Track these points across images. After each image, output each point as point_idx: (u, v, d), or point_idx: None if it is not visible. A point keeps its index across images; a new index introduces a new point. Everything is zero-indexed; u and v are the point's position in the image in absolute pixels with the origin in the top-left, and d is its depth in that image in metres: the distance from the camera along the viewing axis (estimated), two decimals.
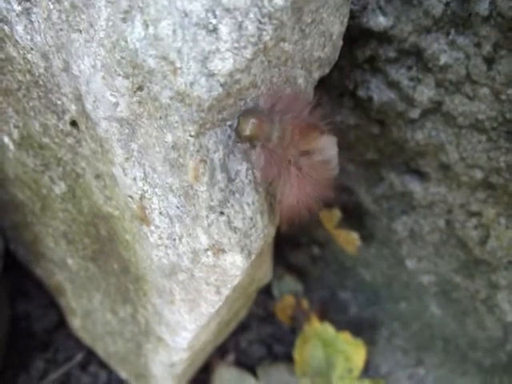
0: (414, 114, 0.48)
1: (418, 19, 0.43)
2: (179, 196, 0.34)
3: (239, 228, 0.35)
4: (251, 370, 0.64)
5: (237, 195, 0.35)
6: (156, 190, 0.35)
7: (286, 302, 0.66)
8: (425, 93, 0.46)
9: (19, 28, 0.36)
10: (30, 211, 0.49)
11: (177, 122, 0.31)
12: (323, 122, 0.35)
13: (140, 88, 0.32)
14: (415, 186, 0.52)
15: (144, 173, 0.35)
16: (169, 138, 0.32)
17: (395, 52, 0.45)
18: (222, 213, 0.34)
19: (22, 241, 0.55)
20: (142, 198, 0.36)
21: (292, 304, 0.66)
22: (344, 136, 0.54)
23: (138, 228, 0.38)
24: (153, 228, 0.36)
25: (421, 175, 0.52)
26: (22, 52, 0.37)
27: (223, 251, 0.36)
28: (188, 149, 0.32)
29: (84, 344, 0.64)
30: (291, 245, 0.67)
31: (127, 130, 0.34)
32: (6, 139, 0.44)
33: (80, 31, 0.33)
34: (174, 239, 0.36)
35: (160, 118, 0.32)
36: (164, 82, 0.30)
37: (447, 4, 0.41)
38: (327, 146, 0.37)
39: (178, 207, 0.35)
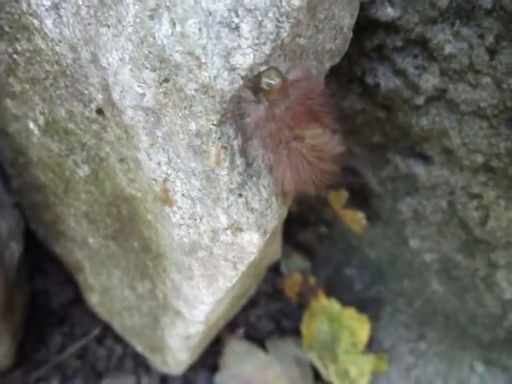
0: (419, 100, 0.51)
1: (425, 10, 0.46)
2: (201, 179, 0.38)
3: (256, 209, 0.39)
4: (260, 343, 0.68)
5: (254, 178, 0.39)
6: (179, 173, 0.39)
7: (293, 279, 0.70)
8: (430, 80, 0.49)
9: (48, 22, 0.39)
10: (52, 192, 0.53)
11: (200, 111, 0.35)
12: (328, 112, 0.38)
13: (166, 80, 0.35)
14: (419, 169, 0.56)
15: (168, 158, 0.38)
16: (192, 126, 0.36)
17: (402, 41, 0.49)
18: (240, 195, 0.38)
19: (42, 220, 0.59)
20: (165, 181, 0.39)
21: (299, 281, 0.70)
22: (351, 120, 0.57)
23: (160, 209, 0.42)
24: (175, 209, 0.40)
25: (425, 159, 0.55)
26: (50, 44, 0.40)
27: (241, 230, 0.40)
28: (210, 136, 0.36)
29: (100, 319, 0.68)
30: (299, 224, 0.71)
31: (152, 118, 0.38)
32: (31, 125, 0.48)
33: (108, 26, 0.36)
34: (195, 219, 0.40)
35: (184, 107, 0.35)
36: (189, 75, 0.34)
37: None
38: (325, 140, 0.37)
39: (199, 190, 0.38)
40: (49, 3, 0.39)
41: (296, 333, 0.68)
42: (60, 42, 0.40)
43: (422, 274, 0.62)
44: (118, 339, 0.69)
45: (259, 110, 0.34)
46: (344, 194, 0.60)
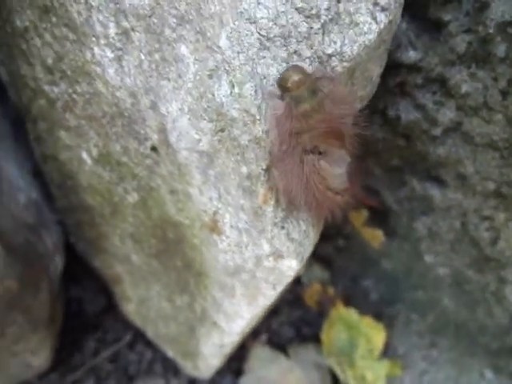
0: (437, 131, 0.57)
1: (444, 54, 0.53)
2: (249, 214, 0.45)
3: (296, 239, 0.46)
4: (282, 349, 0.75)
5: (294, 213, 0.45)
6: (229, 208, 0.45)
7: (313, 289, 0.77)
8: (447, 114, 0.56)
9: (110, 71, 0.46)
10: (98, 214, 0.59)
11: (252, 158, 0.41)
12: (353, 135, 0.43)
13: (222, 130, 0.41)
14: (435, 192, 0.63)
15: (219, 194, 0.45)
16: (244, 169, 0.42)
17: (422, 79, 0.55)
18: (283, 227, 0.45)
19: (84, 237, 0.65)
20: (215, 213, 0.46)
21: (319, 290, 0.77)
22: (372, 145, 0.64)
23: (207, 235, 0.49)
24: (223, 238, 0.47)
25: (440, 182, 0.62)
26: (110, 89, 0.47)
27: (282, 257, 0.46)
28: (259, 179, 0.42)
29: (131, 326, 0.75)
30: (320, 237, 0.77)
31: (206, 160, 0.44)
32: (85, 155, 0.54)
33: (169, 79, 0.43)
34: (241, 247, 0.47)
35: (237, 154, 0.42)
36: (244, 128, 0.40)
37: (470, 43, 0.51)
38: (338, 159, 0.40)
39: (246, 222, 0.45)
40: (112, 55, 0.45)
41: (316, 339, 0.75)
42: (120, 88, 0.46)
43: (436, 286, 0.69)
44: (148, 344, 0.75)
45: (281, 105, 0.36)
46: (364, 214, 0.67)
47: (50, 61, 0.49)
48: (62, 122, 0.53)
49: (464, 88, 0.53)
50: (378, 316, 0.74)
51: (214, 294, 0.54)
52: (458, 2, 0.49)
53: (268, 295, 0.49)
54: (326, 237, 0.77)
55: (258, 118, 0.39)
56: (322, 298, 0.76)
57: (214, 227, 0.47)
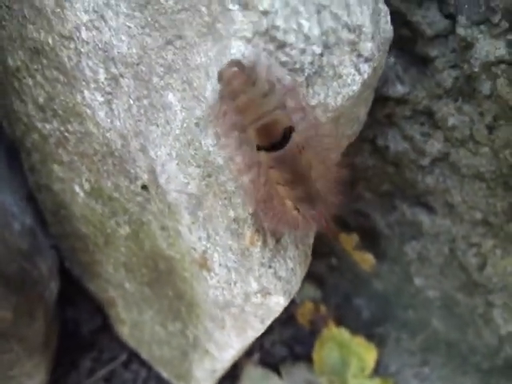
0: (425, 161, 0.59)
1: (431, 88, 0.54)
2: (237, 254, 0.46)
3: (283, 277, 0.47)
4: (274, 368, 0.77)
5: (282, 252, 0.47)
6: (217, 248, 0.47)
7: (305, 307, 0.79)
8: (434, 145, 0.57)
9: (101, 113, 0.47)
10: (92, 242, 0.61)
11: (239, 203, 0.43)
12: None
13: (209, 176, 0.43)
14: (424, 218, 0.64)
15: (207, 234, 0.46)
16: (231, 213, 0.44)
17: (410, 111, 0.56)
18: (270, 266, 0.46)
19: (79, 262, 0.67)
20: (204, 252, 0.48)
21: (311, 309, 0.79)
22: (362, 171, 0.65)
23: (197, 271, 0.50)
24: (213, 274, 0.48)
25: (429, 209, 0.63)
26: (101, 130, 0.48)
27: (270, 294, 0.48)
28: (246, 222, 0.44)
29: (126, 345, 0.77)
30: (312, 255, 0.79)
31: (194, 202, 0.45)
32: (77, 188, 0.56)
33: (157, 125, 0.44)
34: (230, 284, 0.48)
35: (225, 198, 0.43)
36: (230, 175, 0.41)
37: (456, 78, 0.52)
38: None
39: (235, 261, 0.47)
40: (102, 99, 0.46)
41: (308, 358, 0.77)
42: (110, 129, 0.47)
43: (426, 307, 0.70)
44: (143, 363, 0.77)
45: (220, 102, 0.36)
46: (355, 238, 0.68)
47: (41, 100, 0.50)
48: (55, 157, 0.54)
49: (451, 121, 0.54)
50: (370, 334, 0.75)
51: (205, 324, 0.55)
52: (445, 39, 0.51)
53: (256, 328, 0.51)
54: (318, 255, 0.78)
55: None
56: (314, 316, 0.77)
57: (204, 264, 0.48)
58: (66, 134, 0.51)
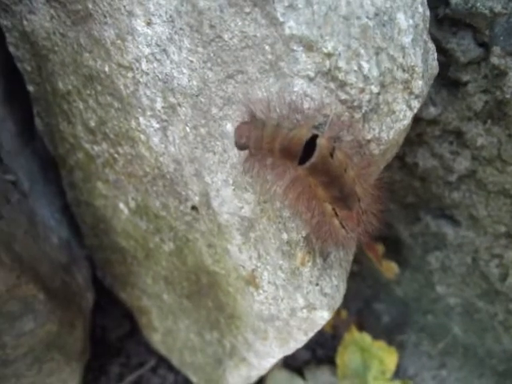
0: (452, 177, 0.63)
1: (462, 110, 0.57)
2: (286, 273, 0.49)
3: (328, 293, 0.51)
4: (298, 371, 0.81)
5: (328, 270, 0.50)
6: (267, 266, 0.50)
7: None
8: (462, 163, 0.61)
9: (155, 139, 0.50)
10: (131, 255, 0.64)
11: (293, 227, 0.46)
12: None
13: (265, 201, 0.46)
14: (448, 229, 0.68)
15: (258, 254, 0.50)
16: (284, 236, 0.47)
17: (440, 131, 0.60)
18: (317, 284, 0.50)
19: (112, 272, 0.70)
20: (253, 270, 0.51)
21: (333, 314, 0.82)
22: (388, 184, 0.69)
23: (242, 286, 0.54)
24: (260, 291, 0.52)
25: (453, 221, 0.67)
26: (154, 154, 0.51)
27: (315, 309, 0.51)
28: (298, 244, 0.47)
29: (154, 351, 0.80)
30: None
31: (246, 224, 0.49)
32: (122, 205, 0.59)
33: (214, 153, 0.47)
34: (277, 300, 0.52)
35: (279, 222, 0.47)
36: (291, 208, 0.45)
37: (486, 102, 0.56)
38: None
39: (284, 280, 0.50)
40: (157, 126, 0.49)
41: (330, 362, 0.81)
42: (164, 154, 0.50)
43: (446, 313, 0.75)
44: (171, 368, 0.81)
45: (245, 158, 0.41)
46: (381, 248, 0.72)
47: (92, 123, 0.53)
48: (100, 175, 0.57)
49: (479, 141, 0.58)
50: (390, 337, 0.80)
51: (245, 335, 0.59)
52: (478, 65, 0.54)
53: (299, 340, 0.55)
54: None
55: None
56: (336, 321, 0.81)
57: (252, 281, 0.52)
58: (116, 155, 0.54)
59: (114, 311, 0.81)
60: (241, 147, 0.40)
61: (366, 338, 0.79)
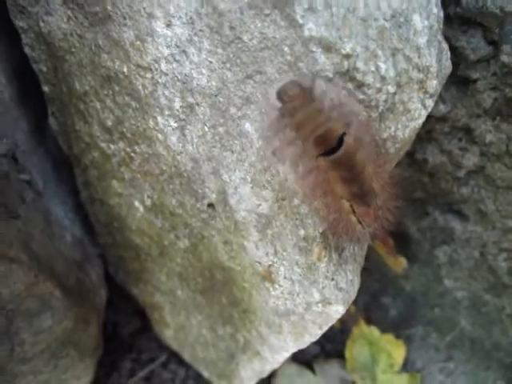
0: (461, 173, 0.64)
1: (471, 107, 0.59)
2: (303, 268, 0.51)
3: (343, 288, 0.52)
4: (307, 365, 0.83)
5: (343, 265, 0.52)
6: (284, 262, 0.52)
7: None
8: (471, 159, 0.63)
9: (173, 138, 0.51)
10: (145, 253, 0.65)
11: (310, 223, 0.48)
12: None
13: (283, 199, 0.48)
14: (456, 224, 0.70)
15: (275, 250, 0.51)
16: (301, 232, 0.49)
17: (449, 128, 0.62)
18: (332, 279, 0.52)
19: (125, 269, 0.71)
20: (270, 266, 0.52)
21: None
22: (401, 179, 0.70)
23: (258, 281, 0.55)
24: (276, 286, 0.53)
25: (461, 216, 0.69)
26: (171, 153, 0.52)
27: (330, 303, 0.53)
28: (315, 240, 0.49)
29: (164, 346, 0.82)
30: None
31: (264, 221, 0.50)
32: (137, 203, 0.60)
33: (232, 151, 0.48)
34: (293, 294, 0.53)
35: (296, 219, 0.48)
36: (306, 200, 0.46)
37: (496, 99, 0.57)
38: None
39: (300, 275, 0.52)
40: (175, 125, 0.50)
41: (338, 355, 0.83)
42: (181, 153, 0.52)
43: (453, 306, 0.76)
44: (181, 363, 0.82)
45: (278, 117, 0.40)
46: (391, 242, 0.74)
47: (109, 123, 0.54)
48: (116, 174, 0.58)
49: (488, 137, 0.59)
50: (398, 331, 0.81)
51: (259, 330, 0.60)
52: (487, 63, 0.56)
53: (314, 334, 0.56)
54: None
55: None
56: (344, 315, 0.83)
57: (268, 277, 0.53)
58: (132, 154, 0.55)
59: (126, 307, 0.83)
60: (281, 100, 0.40)
61: (375, 331, 0.80)
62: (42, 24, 0.53)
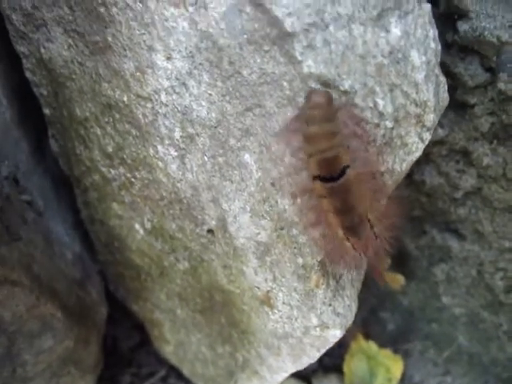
0: (458, 194, 0.65)
1: (468, 131, 0.60)
2: (301, 294, 0.52)
3: (341, 313, 0.54)
4: (306, 380, 0.84)
5: (340, 291, 0.53)
6: (282, 288, 0.53)
7: None
8: (468, 181, 0.64)
9: (173, 166, 0.52)
10: (145, 272, 0.66)
11: (308, 252, 0.49)
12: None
13: (282, 228, 0.49)
14: (453, 243, 0.71)
15: (273, 276, 0.52)
16: (300, 260, 0.50)
17: (447, 150, 0.62)
18: (330, 304, 0.53)
19: (125, 286, 0.72)
20: (268, 291, 0.54)
21: None
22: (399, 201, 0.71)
23: (257, 305, 0.56)
24: (275, 311, 0.54)
25: (459, 235, 0.70)
26: (171, 180, 0.53)
27: (328, 328, 0.54)
28: (313, 268, 0.50)
29: (164, 361, 0.83)
30: None
31: (263, 248, 0.51)
32: (137, 226, 0.61)
33: (232, 181, 0.49)
34: (291, 319, 0.54)
35: (294, 248, 0.49)
36: (303, 230, 0.47)
37: (493, 124, 0.58)
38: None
39: (298, 301, 0.53)
40: (176, 153, 0.51)
41: (337, 370, 0.84)
42: (181, 180, 0.53)
43: (451, 322, 0.78)
44: (180, 377, 0.83)
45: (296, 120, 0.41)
46: (388, 261, 0.75)
47: (110, 149, 0.55)
48: (116, 197, 0.59)
49: (485, 160, 0.60)
50: (395, 346, 0.83)
51: (258, 350, 0.61)
52: (484, 89, 0.57)
53: (312, 356, 0.57)
54: None
55: None
56: None
57: (267, 301, 0.54)
58: (133, 179, 0.56)
59: (125, 322, 0.84)
60: (306, 101, 0.40)
61: (373, 346, 0.82)
62: (42, 50, 0.54)
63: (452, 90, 0.58)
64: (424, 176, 0.65)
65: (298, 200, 0.45)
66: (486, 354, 0.76)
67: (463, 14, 0.52)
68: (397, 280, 0.75)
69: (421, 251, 0.74)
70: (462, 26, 0.53)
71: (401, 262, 0.76)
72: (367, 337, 0.83)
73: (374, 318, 0.85)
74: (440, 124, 0.60)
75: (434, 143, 0.61)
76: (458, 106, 0.59)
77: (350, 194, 0.43)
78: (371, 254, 0.48)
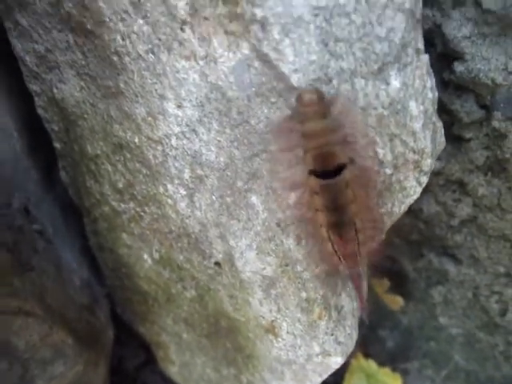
0: (454, 222, 0.69)
1: (464, 163, 0.64)
2: (304, 325, 0.56)
3: (342, 341, 0.57)
4: None
5: (342, 321, 0.57)
6: (286, 318, 0.56)
7: None
8: (464, 210, 0.67)
9: (182, 204, 0.55)
10: (152, 298, 0.70)
11: (311, 287, 0.52)
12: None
13: (286, 265, 0.52)
14: (450, 267, 0.75)
15: (278, 308, 0.56)
16: (303, 294, 0.53)
17: (444, 181, 0.66)
18: (332, 334, 0.56)
19: (132, 310, 0.76)
20: (273, 321, 0.57)
21: None
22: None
23: (262, 333, 0.60)
24: (279, 339, 0.58)
25: (455, 259, 0.74)
26: (180, 216, 0.57)
27: (330, 355, 0.58)
28: (316, 301, 0.53)
29: (169, 380, 0.86)
30: None
31: (268, 282, 0.55)
32: (145, 255, 0.64)
33: (239, 220, 0.53)
34: (295, 347, 0.58)
35: (298, 283, 0.53)
36: (308, 267, 0.51)
37: (487, 157, 0.62)
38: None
39: (301, 331, 0.56)
40: (185, 192, 0.55)
41: None
42: (190, 217, 0.56)
43: (448, 342, 0.82)
44: None
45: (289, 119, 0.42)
46: (386, 283, 0.79)
47: (120, 185, 0.58)
48: (126, 228, 0.63)
49: (481, 191, 0.64)
50: (394, 363, 0.87)
51: (262, 374, 0.65)
52: (480, 125, 0.60)
53: (314, 381, 0.61)
54: None
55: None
56: None
57: (271, 330, 0.58)
58: (142, 213, 0.59)
59: (131, 341, 0.87)
60: (297, 102, 0.41)
61: (372, 364, 0.85)
62: (55, 90, 0.57)
63: (449, 124, 0.62)
64: (422, 204, 0.68)
65: (291, 189, 0.47)
66: (483, 373, 0.80)
67: (459, 57, 0.56)
68: (396, 301, 0.79)
69: (419, 273, 0.78)
70: (458, 67, 0.56)
71: (400, 283, 0.80)
72: (367, 355, 0.87)
73: (373, 337, 0.89)
74: (437, 156, 0.63)
75: (431, 174, 0.65)
76: (454, 140, 0.63)
77: (342, 195, 0.44)
78: (352, 260, 0.49)
